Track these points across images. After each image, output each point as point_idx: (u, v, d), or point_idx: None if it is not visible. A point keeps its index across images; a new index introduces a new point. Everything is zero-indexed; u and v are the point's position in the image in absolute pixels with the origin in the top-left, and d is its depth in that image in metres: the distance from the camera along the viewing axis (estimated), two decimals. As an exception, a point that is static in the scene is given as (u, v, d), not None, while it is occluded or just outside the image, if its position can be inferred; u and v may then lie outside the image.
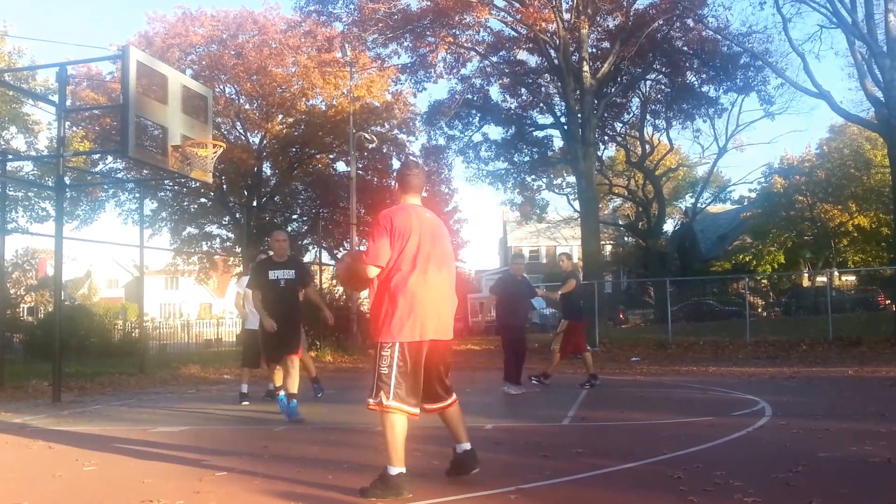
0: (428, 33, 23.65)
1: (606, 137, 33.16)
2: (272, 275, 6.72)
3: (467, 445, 3.93)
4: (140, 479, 4.23)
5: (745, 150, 37.75)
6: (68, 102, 14.23)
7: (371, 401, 3.70)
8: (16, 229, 20.20)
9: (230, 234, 29.16)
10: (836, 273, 33.08)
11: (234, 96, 25.79)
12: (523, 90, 28.95)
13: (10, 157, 16.90)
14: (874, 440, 4.88)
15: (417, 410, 3.73)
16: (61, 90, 9.90)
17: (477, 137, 30.80)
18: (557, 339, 9.73)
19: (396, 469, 3.62)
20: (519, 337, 9.11)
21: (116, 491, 4.03)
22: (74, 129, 23.17)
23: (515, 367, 8.87)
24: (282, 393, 6.65)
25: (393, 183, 4.12)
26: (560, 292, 9.45)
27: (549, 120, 29.48)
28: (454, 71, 26.55)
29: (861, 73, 18.27)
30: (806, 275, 34.76)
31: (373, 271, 3.76)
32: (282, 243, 6.85)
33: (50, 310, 23.05)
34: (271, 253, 7.03)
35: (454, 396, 3.96)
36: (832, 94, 18.78)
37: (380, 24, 22.90)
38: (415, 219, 3.76)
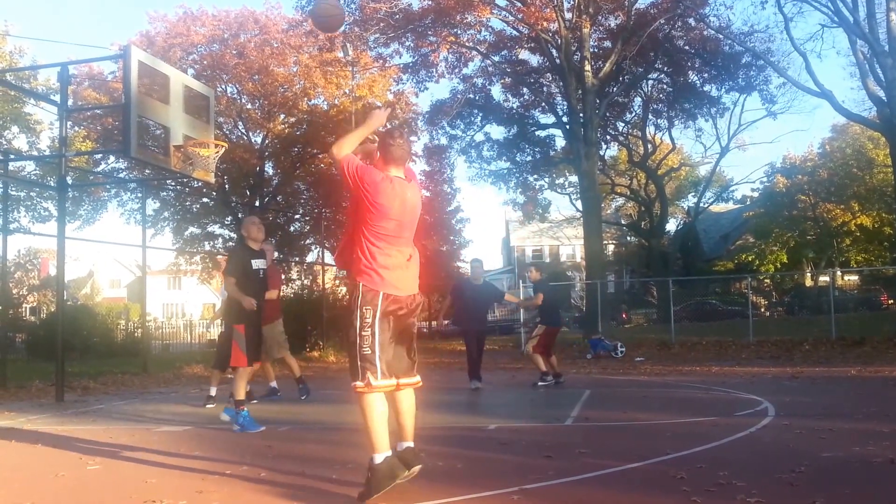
0: (429, 33, 23.66)
1: (608, 137, 33.19)
2: (254, 264, 6.18)
3: (410, 444, 3.77)
4: (143, 478, 4.24)
5: (747, 149, 37.70)
6: (70, 102, 14.25)
7: (359, 384, 3.55)
8: (18, 229, 20.25)
9: (233, 234, 29.11)
10: (838, 273, 33.01)
11: (235, 96, 25.77)
12: (525, 90, 28.95)
13: (12, 156, 16.90)
14: (877, 440, 4.87)
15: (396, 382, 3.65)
16: (63, 90, 9.91)
17: (479, 137, 30.89)
18: (531, 342, 9.86)
19: (382, 455, 3.50)
20: (476, 338, 9.59)
21: (119, 490, 4.04)
22: (76, 128, 23.17)
23: (473, 364, 9.51)
24: (244, 409, 6.04)
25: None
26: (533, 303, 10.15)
27: (551, 119, 29.54)
28: (456, 70, 26.62)
29: (863, 73, 18.27)
30: (809, 274, 34.72)
31: (336, 154, 3.64)
32: (260, 225, 6.38)
33: (52, 310, 23.06)
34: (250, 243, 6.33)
35: (418, 377, 3.82)
36: (834, 94, 18.84)
37: (381, 24, 22.90)
38: (398, 202, 3.67)
